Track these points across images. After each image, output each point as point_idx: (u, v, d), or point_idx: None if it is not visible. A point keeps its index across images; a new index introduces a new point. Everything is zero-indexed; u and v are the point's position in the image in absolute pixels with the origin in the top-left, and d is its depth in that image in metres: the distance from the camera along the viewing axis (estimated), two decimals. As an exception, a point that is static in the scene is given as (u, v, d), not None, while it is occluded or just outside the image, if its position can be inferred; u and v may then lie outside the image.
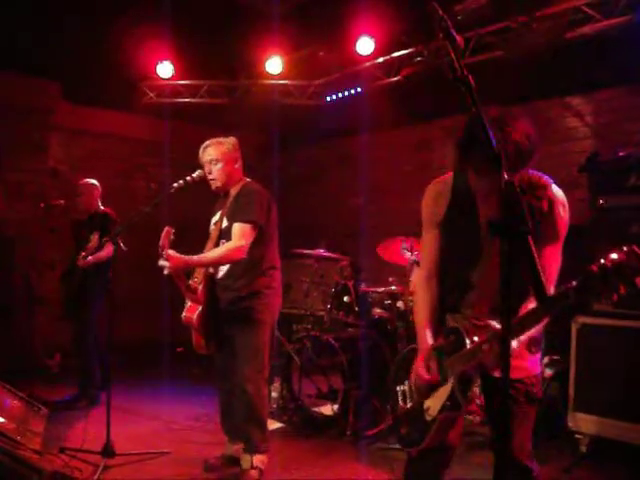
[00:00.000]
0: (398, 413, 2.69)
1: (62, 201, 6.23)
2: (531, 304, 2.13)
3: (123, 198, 7.08)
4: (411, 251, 5.36)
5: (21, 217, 7.37)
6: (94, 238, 5.56)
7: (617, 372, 4.37)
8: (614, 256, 1.81)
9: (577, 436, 4.58)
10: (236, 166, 4.18)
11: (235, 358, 4.06)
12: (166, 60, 7.67)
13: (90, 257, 5.54)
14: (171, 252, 3.73)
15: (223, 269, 4.08)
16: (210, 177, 4.12)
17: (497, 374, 2.31)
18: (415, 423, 2.54)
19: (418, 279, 2.70)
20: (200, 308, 3.98)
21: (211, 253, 3.99)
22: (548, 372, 4.94)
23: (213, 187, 4.16)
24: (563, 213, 2.36)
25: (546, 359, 5.00)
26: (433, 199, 2.61)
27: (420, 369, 2.47)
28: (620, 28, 5.45)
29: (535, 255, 1.45)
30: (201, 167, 4.16)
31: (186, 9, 6.50)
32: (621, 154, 4.76)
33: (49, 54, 6.86)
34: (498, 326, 2.19)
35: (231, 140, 4.19)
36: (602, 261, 1.82)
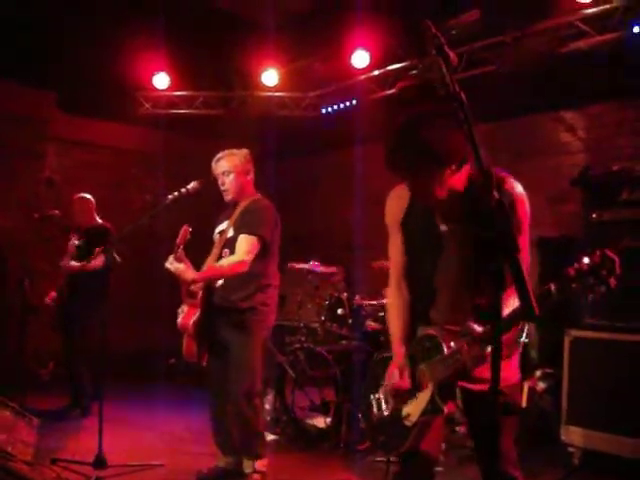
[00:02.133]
0: (374, 421, 2.67)
1: (57, 211, 6.24)
2: (508, 303, 2.09)
3: (117, 209, 7.09)
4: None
5: (14, 226, 7.35)
6: (73, 241, 5.61)
7: (610, 385, 4.38)
8: (586, 260, 1.96)
9: (570, 449, 4.58)
10: (248, 177, 4.23)
11: (227, 374, 4.07)
12: (162, 71, 7.70)
13: (73, 262, 5.56)
14: (181, 266, 3.85)
15: (221, 279, 4.11)
16: (223, 189, 4.17)
17: (477, 387, 2.34)
18: (394, 429, 2.54)
19: (389, 285, 2.71)
20: (197, 314, 4.00)
21: (215, 267, 4.03)
22: (541, 385, 4.96)
23: (226, 199, 4.21)
24: (523, 205, 2.36)
25: (539, 372, 5.02)
26: (393, 201, 2.66)
27: (392, 376, 2.49)
28: (613, 43, 5.51)
29: (524, 273, 1.46)
30: (206, 175, 4.20)
31: (182, 20, 6.54)
32: (614, 168, 4.79)
33: (46, 64, 6.88)
34: (478, 329, 2.21)
35: (243, 152, 4.24)
36: (577, 265, 1.96)
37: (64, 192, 7.42)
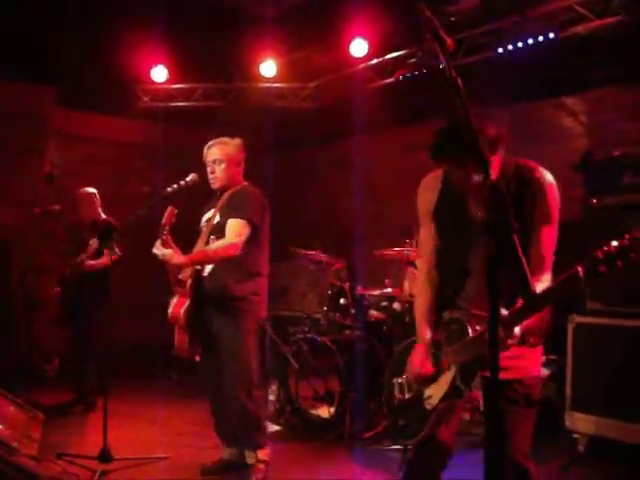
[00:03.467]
0: (395, 405, 2.71)
1: (57, 206, 6.24)
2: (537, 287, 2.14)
3: (118, 202, 7.06)
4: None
5: (17, 222, 7.36)
6: (93, 242, 5.60)
7: (614, 371, 4.37)
8: (615, 243, 1.96)
9: (574, 435, 4.58)
10: (239, 168, 4.20)
11: (222, 366, 4.05)
12: (160, 64, 7.68)
13: (92, 262, 5.59)
14: (168, 252, 3.80)
15: (209, 266, 4.04)
16: (211, 176, 4.13)
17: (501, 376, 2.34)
18: (414, 413, 2.58)
19: (418, 272, 2.76)
20: (187, 304, 3.95)
21: (204, 250, 3.97)
22: (545, 372, 4.94)
23: (213, 186, 4.17)
24: (553, 194, 2.38)
25: (542, 359, 5.00)
26: (425, 191, 2.70)
27: (415, 362, 2.52)
28: (612, 27, 5.47)
29: (522, 255, 1.45)
30: (204, 166, 4.17)
31: (180, 13, 6.50)
32: (615, 153, 4.77)
33: (44, 60, 6.86)
34: (503, 312, 2.21)
35: (236, 141, 4.21)
36: (605, 247, 1.96)
37: (65, 187, 7.43)
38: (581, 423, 4.54)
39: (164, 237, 3.84)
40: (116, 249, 4.72)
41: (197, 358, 4.14)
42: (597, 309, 4.51)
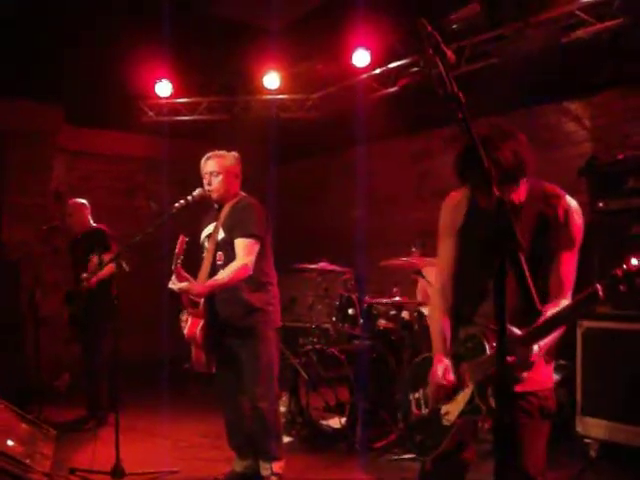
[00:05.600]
0: (412, 420, 2.71)
1: (57, 222, 6.28)
2: (552, 307, 2.21)
3: (125, 217, 7.11)
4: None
5: (26, 239, 7.40)
6: (93, 259, 5.58)
7: (624, 375, 4.36)
8: (635, 262, 1.98)
9: (586, 441, 4.56)
10: (237, 181, 4.24)
11: (242, 377, 4.08)
12: (164, 78, 7.71)
13: (93, 278, 5.60)
14: (185, 285, 3.84)
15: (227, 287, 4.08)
16: (209, 188, 4.16)
17: (516, 388, 2.34)
18: (431, 429, 2.57)
19: (434, 287, 2.75)
20: (202, 323, 3.99)
21: (220, 277, 3.97)
22: (555, 377, 4.92)
23: (212, 197, 4.20)
24: (578, 221, 2.42)
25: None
26: (451, 208, 2.68)
27: (437, 377, 2.49)
28: (614, 31, 5.48)
29: (526, 271, 1.46)
30: (201, 178, 4.20)
31: (183, 27, 6.54)
32: (619, 157, 4.77)
33: (50, 79, 6.92)
34: (517, 331, 2.22)
35: (233, 155, 4.26)
36: (625, 266, 1.99)
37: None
38: (592, 428, 4.52)
39: (178, 271, 3.86)
40: (124, 264, 4.72)
41: (213, 369, 4.17)
42: (606, 313, 4.50)
